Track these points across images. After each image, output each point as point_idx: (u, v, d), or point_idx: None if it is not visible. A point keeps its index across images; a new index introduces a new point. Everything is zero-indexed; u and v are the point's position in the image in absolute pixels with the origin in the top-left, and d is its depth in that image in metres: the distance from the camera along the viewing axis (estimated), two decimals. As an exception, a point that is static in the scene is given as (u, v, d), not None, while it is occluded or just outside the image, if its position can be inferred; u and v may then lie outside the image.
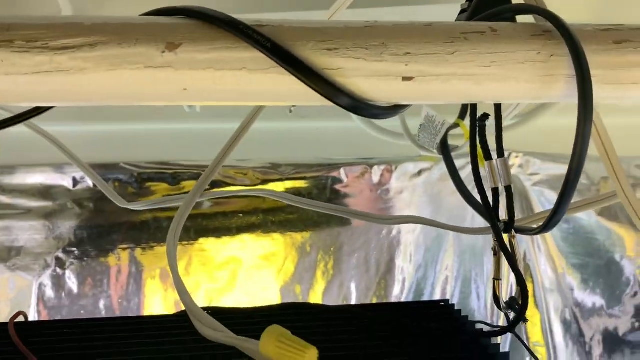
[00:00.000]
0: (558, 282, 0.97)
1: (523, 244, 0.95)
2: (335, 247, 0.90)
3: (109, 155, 0.81)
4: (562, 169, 0.93)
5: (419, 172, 0.90)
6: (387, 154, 0.89)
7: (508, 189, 0.48)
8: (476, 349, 0.46)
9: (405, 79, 0.35)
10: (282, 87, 0.34)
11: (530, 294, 0.97)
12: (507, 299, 0.47)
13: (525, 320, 0.46)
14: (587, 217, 0.95)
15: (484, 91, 0.36)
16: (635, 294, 0.97)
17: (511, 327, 0.46)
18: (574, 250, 0.96)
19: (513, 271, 0.45)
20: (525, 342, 0.97)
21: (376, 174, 0.89)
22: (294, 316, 0.56)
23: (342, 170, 0.88)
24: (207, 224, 0.87)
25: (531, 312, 0.97)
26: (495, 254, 0.48)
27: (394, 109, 0.39)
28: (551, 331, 0.98)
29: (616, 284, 0.97)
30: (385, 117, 0.39)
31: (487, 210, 0.47)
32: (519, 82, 0.36)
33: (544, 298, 0.97)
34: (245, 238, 0.87)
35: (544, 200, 0.94)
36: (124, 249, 0.85)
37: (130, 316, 0.80)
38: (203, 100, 0.35)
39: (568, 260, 0.96)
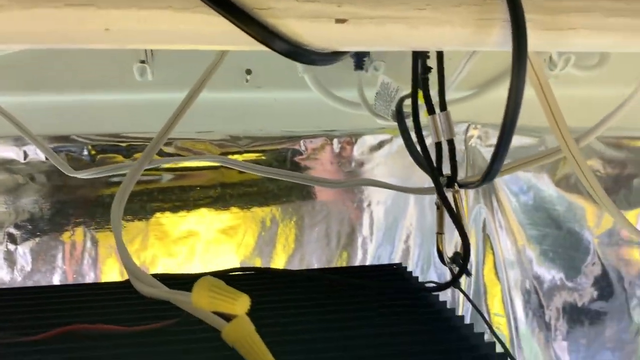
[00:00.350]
0: (518, 253, 0.97)
1: (482, 213, 0.96)
2: (295, 220, 0.89)
3: (60, 128, 0.79)
4: (521, 140, 0.94)
5: (380, 144, 0.90)
6: (348, 125, 0.88)
7: (450, 142, 0.47)
8: (421, 304, 0.46)
9: (338, 21, 0.34)
10: (210, 28, 0.33)
11: (491, 265, 0.98)
12: (452, 254, 0.47)
13: (468, 274, 0.46)
14: (546, 188, 0.96)
15: (419, 35, 0.35)
16: (594, 264, 0.99)
17: (454, 280, 0.46)
18: (533, 221, 0.96)
19: (455, 225, 0.45)
20: (486, 314, 0.98)
21: (337, 146, 0.89)
22: (245, 279, 0.56)
23: (302, 142, 0.87)
24: (164, 198, 0.85)
25: (491, 284, 0.98)
26: (438, 208, 0.48)
27: (333, 56, 0.38)
28: (511, 302, 0.99)
29: (575, 254, 0.98)
30: (324, 64, 0.38)
31: (429, 164, 0.47)
32: (454, 26, 0.35)
33: (504, 269, 0.97)
34: (204, 212, 0.86)
35: (504, 171, 0.95)
36: (79, 224, 0.83)
37: (74, 283, 0.79)
38: (128, 42, 0.33)
39: (527, 231, 0.97)
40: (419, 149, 0.48)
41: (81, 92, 0.75)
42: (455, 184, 0.47)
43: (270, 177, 0.64)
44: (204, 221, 0.86)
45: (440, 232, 0.48)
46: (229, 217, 0.87)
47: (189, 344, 0.40)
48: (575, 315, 1.00)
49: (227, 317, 0.38)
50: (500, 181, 0.96)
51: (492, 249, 0.96)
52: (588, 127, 0.98)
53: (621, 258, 0.99)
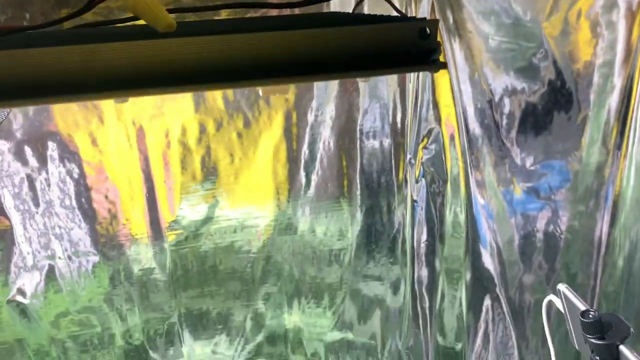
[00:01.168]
0: (469, 49, 0.97)
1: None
2: None
3: None
4: None
5: None
6: None
7: None
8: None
9: None
10: None
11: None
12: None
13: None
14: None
15: None
16: (545, 54, 0.98)
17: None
18: (484, 13, 0.95)
19: None
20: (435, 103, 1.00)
21: None
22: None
23: None
24: None
25: (440, 74, 0.98)
26: None
27: None
28: (460, 94, 1.00)
29: (526, 44, 0.97)
30: None
31: None
32: None
33: (454, 64, 0.97)
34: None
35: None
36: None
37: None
38: None
39: (478, 24, 0.96)
40: None
41: None
42: None
43: None
44: None
45: None
46: None
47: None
48: (525, 107, 1.02)
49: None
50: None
51: (441, 40, 0.96)
52: None
53: (570, 47, 0.99)
